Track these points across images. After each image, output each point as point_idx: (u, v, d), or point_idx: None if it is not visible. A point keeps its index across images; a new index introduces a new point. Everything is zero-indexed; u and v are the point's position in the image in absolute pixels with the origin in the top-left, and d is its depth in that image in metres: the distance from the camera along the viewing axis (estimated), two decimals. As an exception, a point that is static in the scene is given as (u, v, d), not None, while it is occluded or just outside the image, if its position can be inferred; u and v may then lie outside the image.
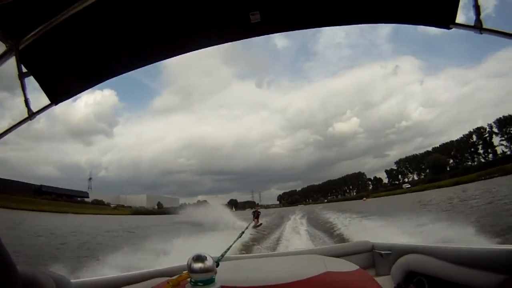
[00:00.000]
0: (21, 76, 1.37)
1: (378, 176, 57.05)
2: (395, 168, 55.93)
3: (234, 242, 1.66)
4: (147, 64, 1.63)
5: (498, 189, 19.94)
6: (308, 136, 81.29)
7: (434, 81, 76.27)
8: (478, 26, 1.23)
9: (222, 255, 1.18)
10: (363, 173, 60.31)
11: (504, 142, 43.29)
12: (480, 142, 47.08)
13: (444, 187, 40.91)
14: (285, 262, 1.79)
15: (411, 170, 56.38)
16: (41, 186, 49.96)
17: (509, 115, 44.08)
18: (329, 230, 11.20)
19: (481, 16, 1.22)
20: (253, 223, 14.47)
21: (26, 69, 1.39)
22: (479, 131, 47.05)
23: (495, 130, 44.28)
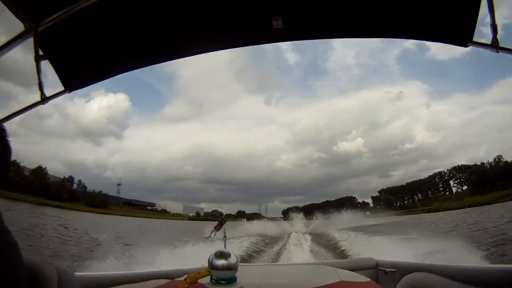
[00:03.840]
0: (37, 59, 1.35)
1: (366, 201, 65.88)
2: (378, 196, 66.49)
3: None
4: (165, 61, 1.61)
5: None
6: (312, 153, 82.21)
7: (440, 106, 75.43)
8: (494, 45, 1.24)
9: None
10: (354, 197, 68.59)
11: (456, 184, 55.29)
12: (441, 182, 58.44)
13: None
14: (297, 271, 1.77)
15: (395, 199, 65.56)
16: (131, 200, 64.00)
17: (461, 165, 55.31)
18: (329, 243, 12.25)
19: (498, 36, 1.22)
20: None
21: (43, 52, 1.37)
22: (440, 174, 58.18)
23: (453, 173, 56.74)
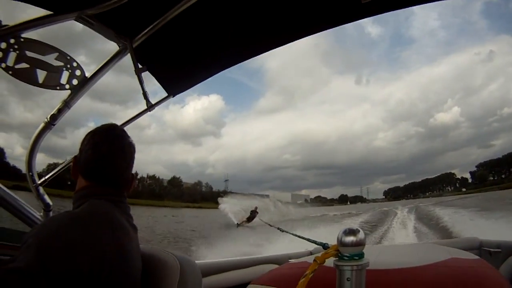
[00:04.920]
0: (138, 72, 1.43)
1: (465, 177, 60.21)
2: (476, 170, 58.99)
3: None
4: (253, 56, 1.59)
5: None
6: (409, 128, 77.11)
7: None
8: None
9: None
10: (453, 173, 64.27)
11: None
12: None
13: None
14: (407, 250, 1.79)
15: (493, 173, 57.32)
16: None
17: None
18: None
19: None
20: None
21: (141, 65, 1.45)
22: None
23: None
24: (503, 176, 55.10)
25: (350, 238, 0.71)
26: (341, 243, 0.72)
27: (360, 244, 0.72)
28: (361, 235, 0.72)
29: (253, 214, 19.95)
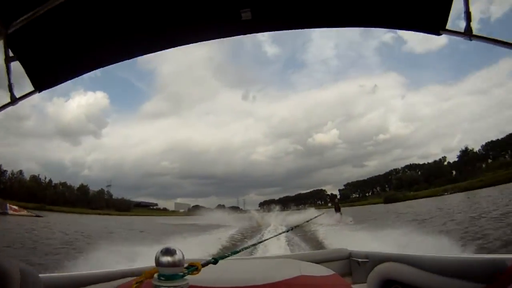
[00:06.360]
0: (7, 61, 1.36)
1: (334, 193, 70.00)
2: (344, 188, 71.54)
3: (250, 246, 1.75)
4: (134, 57, 1.60)
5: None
6: (288, 145, 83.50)
7: (415, 97, 77.68)
8: (468, 33, 1.24)
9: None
10: (324, 189, 73.52)
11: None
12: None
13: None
14: (260, 265, 1.80)
15: (359, 191, 71.27)
16: (140, 202, 69.89)
17: (412, 164, 61.66)
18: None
19: (472, 23, 1.22)
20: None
21: (13, 53, 1.38)
22: (395, 170, 63.94)
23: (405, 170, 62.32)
24: (367, 194, 67.49)
25: (166, 258, 0.69)
26: (158, 263, 0.69)
27: (177, 264, 0.69)
28: (178, 255, 0.70)
29: None
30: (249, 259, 2.46)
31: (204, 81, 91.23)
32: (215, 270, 0.87)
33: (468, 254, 2.11)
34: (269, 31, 1.54)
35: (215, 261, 0.88)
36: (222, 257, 0.92)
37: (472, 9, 1.19)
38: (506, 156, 48.27)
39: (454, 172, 52.84)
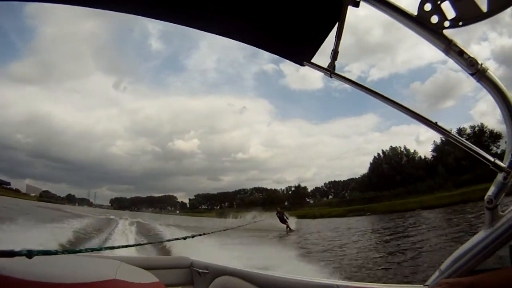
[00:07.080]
0: None
1: (184, 201, 73.07)
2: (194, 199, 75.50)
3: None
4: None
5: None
6: (147, 145, 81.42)
7: (281, 127, 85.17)
8: (330, 70, 1.30)
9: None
10: (175, 196, 74.73)
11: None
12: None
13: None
14: (82, 263, 1.63)
15: (208, 204, 76.24)
16: None
17: (259, 187, 69.07)
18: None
19: (336, 62, 1.29)
20: None
21: None
22: (244, 190, 70.60)
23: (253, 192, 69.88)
24: (216, 207, 69.65)
25: None
26: None
27: None
28: None
29: None
30: (78, 255, 2.01)
31: (81, 57, 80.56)
32: (34, 263, 0.88)
33: (308, 278, 1.77)
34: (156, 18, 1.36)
35: (28, 253, 0.92)
36: (42, 252, 0.94)
37: (340, 48, 1.25)
38: (329, 196, 58.38)
39: (286, 202, 61.05)
